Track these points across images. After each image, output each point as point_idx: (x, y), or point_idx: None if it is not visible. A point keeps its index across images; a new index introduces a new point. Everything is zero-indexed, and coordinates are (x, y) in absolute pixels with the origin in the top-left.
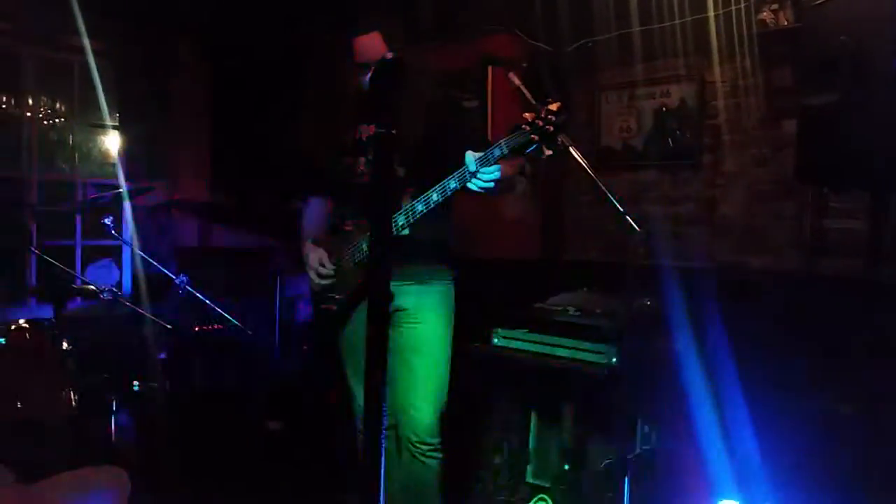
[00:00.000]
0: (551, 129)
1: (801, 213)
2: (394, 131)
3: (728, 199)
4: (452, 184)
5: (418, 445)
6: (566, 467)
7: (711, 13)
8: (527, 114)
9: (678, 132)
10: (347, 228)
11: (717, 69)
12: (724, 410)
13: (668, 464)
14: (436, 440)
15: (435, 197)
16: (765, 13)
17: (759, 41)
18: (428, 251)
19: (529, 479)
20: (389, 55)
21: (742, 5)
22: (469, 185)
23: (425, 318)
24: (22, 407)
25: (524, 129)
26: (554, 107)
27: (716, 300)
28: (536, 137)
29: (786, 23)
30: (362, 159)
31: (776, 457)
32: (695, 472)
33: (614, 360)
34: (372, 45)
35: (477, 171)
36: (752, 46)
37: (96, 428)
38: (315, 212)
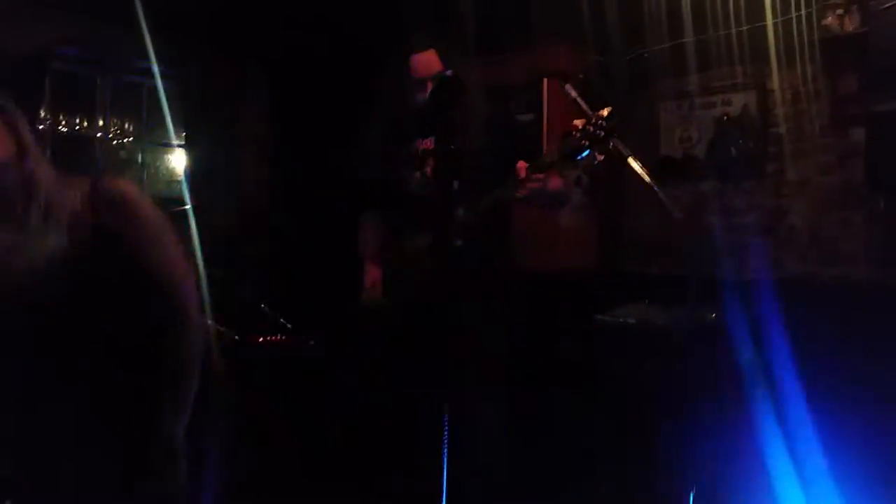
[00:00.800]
0: (602, 133)
1: (871, 222)
2: (452, 147)
3: (794, 209)
4: (503, 193)
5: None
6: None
7: (770, 20)
8: (577, 121)
9: (740, 141)
10: (405, 243)
11: (778, 77)
12: (791, 426)
13: (735, 482)
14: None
15: (486, 207)
16: (829, 18)
17: (823, 47)
18: (484, 262)
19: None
20: (447, 72)
21: (804, 11)
22: (520, 195)
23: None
24: None
25: (575, 135)
26: (604, 112)
27: (781, 312)
28: (587, 142)
29: (851, 28)
30: (417, 174)
31: (846, 473)
32: (763, 490)
33: (678, 373)
34: (428, 61)
35: (527, 179)
36: (815, 53)
37: None
38: (372, 228)
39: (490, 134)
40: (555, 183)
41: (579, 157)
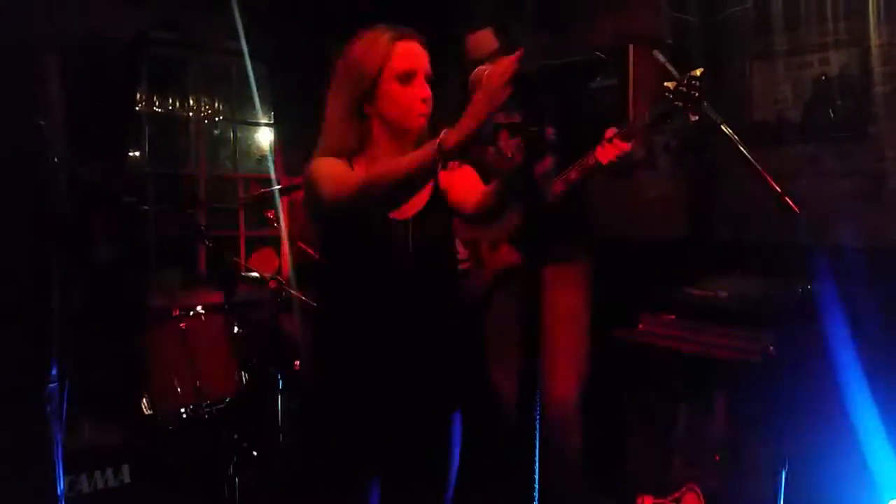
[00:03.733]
0: (696, 93)
1: None
2: (534, 128)
3: None
4: (590, 160)
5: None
6: (717, 458)
7: None
8: (668, 83)
9: (840, 102)
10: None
11: (881, 32)
12: (888, 403)
13: (829, 460)
14: (574, 412)
15: (573, 175)
16: None
17: None
18: (566, 230)
19: (678, 468)
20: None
21: None
22: (607, 161)
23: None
24: (200, 386)
25: (668, 96)
26: (696, 72)
27: (882, 284)
28: (681, 103)
29: None
30: (491, 148)
31: None
32: (858, 470)
33: (771, 347)
34: (485, 40)
35: (613, 140)
36: None
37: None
38: None
39: (571, 104)
40: (638, 150)
41: (671, 120)
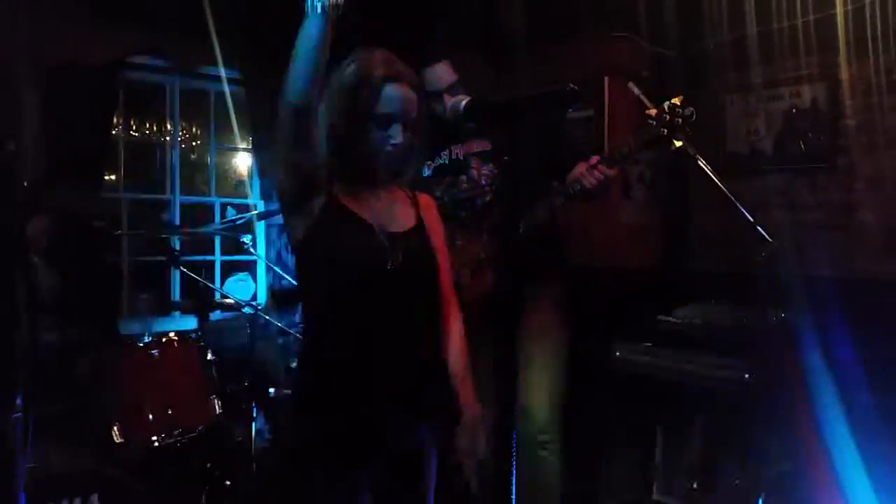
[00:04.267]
0: (679, 120)
1: None
2: (505, 157)
3: (866, 204)
4: (572, 186)
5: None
6: (694, 485)
7: (840, 8)
8: (650, 110)
9: (810, 134)
10: (459, 244)
11: (850, 67)
12: (863, 429)
13: (804, 484)
14: (550, 436)
15: (540, 213)
16: None
17: None
18: (543, 258)
19: (655, 496)
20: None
21: None
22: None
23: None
24: (172, 414)
25: (651, 123)
26: (677, 100)
27: (853, 312)
28: (665, 130)
29: None
30: (463, 177)
31: None
32: (833, 494)
33: (746, 375)
34: (442, 73)
35: (597, 166)
36: (889, 41)
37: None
38: None
39: (545, 135)
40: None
41: (657, 145)
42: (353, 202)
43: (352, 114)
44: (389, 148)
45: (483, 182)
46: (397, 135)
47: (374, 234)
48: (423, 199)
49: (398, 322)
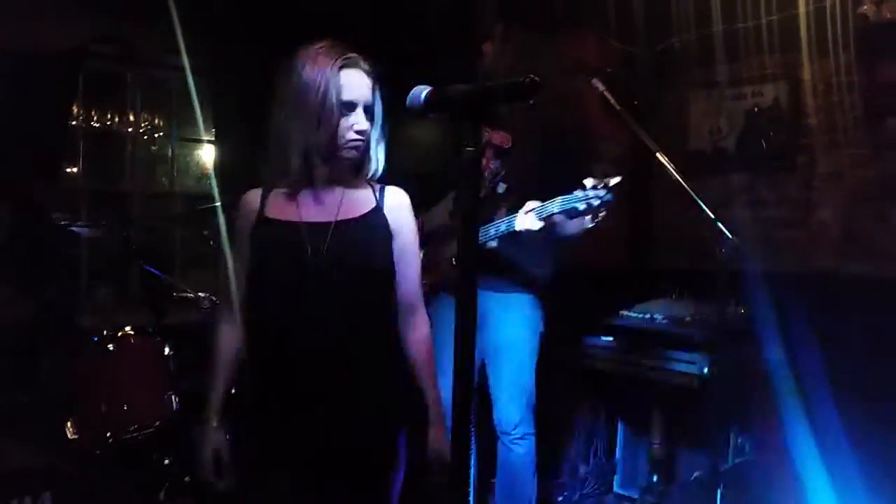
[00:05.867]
0: (598, 204)
1: None
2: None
3: (825, 202)
4: (503, 226)
5: (503, 435)
6: (655, 478)
7: (803, 9)
8: (588, 180)
9: (771, 133)
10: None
11: (811, 67)
12: (820, 422)
13: (762, 476)
14: (519, 431)
15: (503, 227)
16: (866, 6)
17: (858, 35)
18: (512, 271)
19: (616, 489)
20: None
21: None
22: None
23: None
24: (128, 409)
25: (577, 194)
26: (613, 181)
27: (811, 307)
28: (582, 207)
29: (889, 15)
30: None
31: (873, 470)
32: (790, 486)
33: (706, 369)
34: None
35: (530, 213)
36: (850, 41)
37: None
38: (441, 207)
39: (565, 142)
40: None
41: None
42: (284, 206)
43: (319, 108)
44: (354, 135)
45: (485, 175)
46: (361, 120)
47: (294, 229)
48: (393, 196)
49: (329, 317)
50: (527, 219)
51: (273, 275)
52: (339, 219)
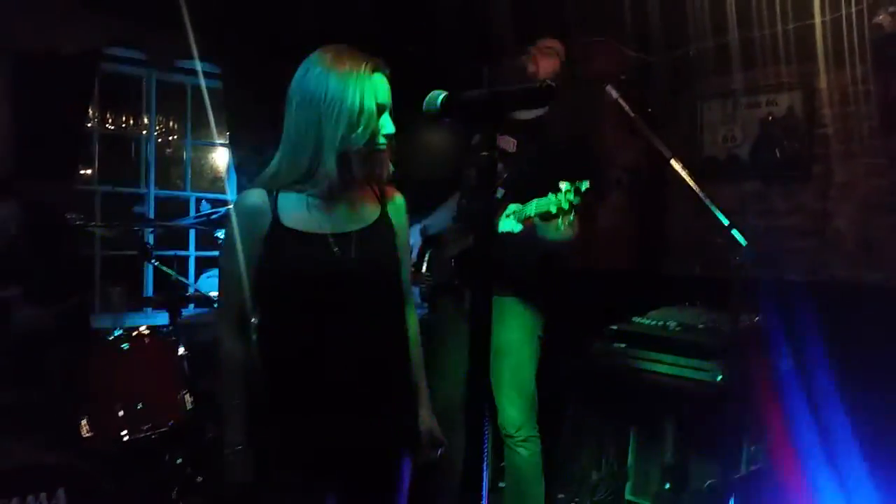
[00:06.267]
0: (567, 207)
1: None
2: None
3: (840, 212)
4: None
5: (507, 437)
6: (667, 486)
7: (819, 19)
8: (562, 183)
9: (786, 142)
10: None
11: (826, 76)
12: (833, 431)
13: (775, 485)
14: (523, 433)
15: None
16: (881, 16)
17: (874, 46)
18: (503, 275)
19: (628, 496)
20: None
21: (854, 9)
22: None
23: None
24: (142, 408)
25: (550, 197)
26: (584, 186)
27: (825, 316)
28: (554, 210)
29: None
30: (473, 169)
31: (886, 479)
32: (802, 495)
33: (719, 377)
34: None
35: (511, 216)
36: (866, 52)
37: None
38: (445, 209)
39: (570, 148)
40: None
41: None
42: (299, 212)
43: (357, 111)
44: (382, 140)
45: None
46: (389, 123)
47: (321, 242)
48: (391, 194)
49: (354, 320)
50: (507, 221)
51: (301, 285)
52: (360, 226)
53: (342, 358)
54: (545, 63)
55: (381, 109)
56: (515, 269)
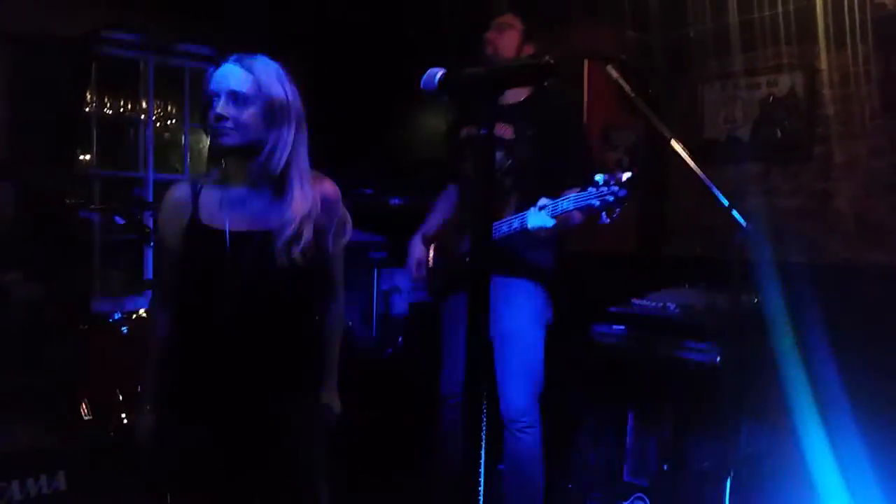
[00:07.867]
0: (612, 200)
1: None
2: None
3: (841, 192)
4: (516, 223)
5: (510, 423)
6: (665, 467)
7: None
8: (599, 175)
9: (787, 122)
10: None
11: (827, 57)
12: (832, 412)
13: (773, 466)
14: (527, 419)
15: (516, 224)
16: None
17: (875, 25)
18: (517, 261)
19: (626, 478)
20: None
21: None
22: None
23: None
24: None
25: (591, 191)
26: (625, 176)
27: (826, 297)
28: (598, 204)
29: None
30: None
31: (885, 461)
32: (801, 476)
33: (718, 358)
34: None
35: (543, 210)
36: (867, 31)
37: None
38: (442, 205)
39: (565, 138)
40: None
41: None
42: (216, 208)
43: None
44: (213, 121)
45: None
46: (217, 105)
47: (221, 239)
48: (325, 187)
49: (249, 318)
50: (540, 216)
51: (200, 277)
52: (261, 227)
53: (242, 339)
54: (501, 40)
55: (209, 97)
56: (535, 257)
